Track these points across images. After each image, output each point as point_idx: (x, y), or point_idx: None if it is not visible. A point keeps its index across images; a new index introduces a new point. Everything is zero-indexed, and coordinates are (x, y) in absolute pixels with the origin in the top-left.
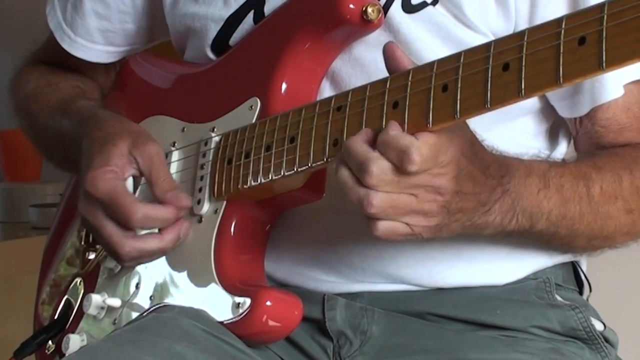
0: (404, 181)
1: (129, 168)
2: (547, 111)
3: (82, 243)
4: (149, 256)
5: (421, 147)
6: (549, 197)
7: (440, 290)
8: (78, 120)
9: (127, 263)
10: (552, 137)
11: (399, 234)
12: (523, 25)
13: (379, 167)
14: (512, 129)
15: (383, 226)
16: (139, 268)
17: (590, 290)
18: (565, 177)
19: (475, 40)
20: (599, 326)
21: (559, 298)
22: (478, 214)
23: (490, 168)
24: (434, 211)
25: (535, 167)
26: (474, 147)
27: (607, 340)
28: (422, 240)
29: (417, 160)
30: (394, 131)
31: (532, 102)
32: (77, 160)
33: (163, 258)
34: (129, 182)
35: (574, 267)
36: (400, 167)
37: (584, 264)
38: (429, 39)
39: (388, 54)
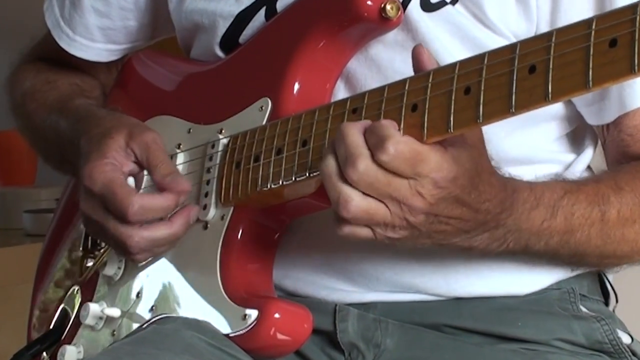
0: (383, 189)
1: (128, 161)
2: (572, 116)
3: (81, 249)
4: (160, 245)
5: (400, 143)
6: (552, 227)
7: (458, 300)
8: (75, 119)
9: (139, 256)
10: (577, 141)
11: (360, 237)
12: (544, 27)
13: (366, 165)
14: (535, 134)
15: (349, 230)
16: (140, 277)
17: (617, 301)
18: (579, 203)
19: (495, 41)
20: (626, 339)
21: (583, 309)
22: (459, 238)
23: (490, 202)
24: (402, 226)
25: (547, 197)
26: (477, 178)
27: (634, 354)
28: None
29: (391, 152)
30: (386, 121)
31: (558, 108)
32: (75, 161)
33: (165, 266)
34: (131, 181)
35: (600, 276)
36: (373, 153)
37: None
38: (447, 39)
39: (415, 56)
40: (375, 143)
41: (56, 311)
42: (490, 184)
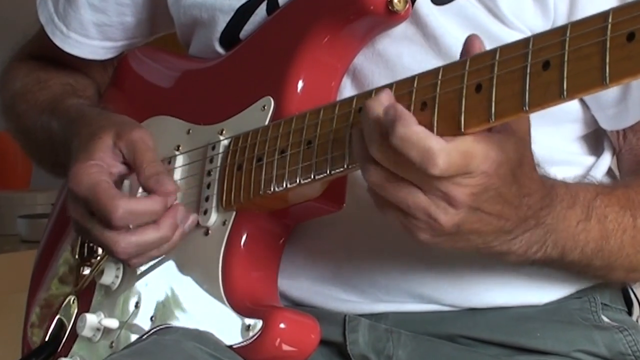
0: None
1: (116, 162)
2: (592, 116)
3: (77, 257)
4: (149, 250)
5: (452, 151)
6: (587, 230)
7: (473, 310)
8: (66, 120)
9: (130, 262)
10: (597, 142)
11: (393, 219)
12: (561, 22)
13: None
14: (552, 133)
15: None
16: (139, 285)
17: None
18: (612, 207)
19: (510, 36)
20: None
21: (605, 319)
22: (498, 240)
23: (530, 197)
24: (441, 222)
25: (581, 196)
26: (518, 169)
27: None
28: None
29: (441, 166)
30: (418, 127)
31: (577, 110)
32: (69, 164)
33: (165, 274)
34: (126, 185)
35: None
36: (421, 167)
37: None
38: (459, 34)
39: (467, 48)
40: (420, 160)
41: (52, 322)
42: (531, 178)
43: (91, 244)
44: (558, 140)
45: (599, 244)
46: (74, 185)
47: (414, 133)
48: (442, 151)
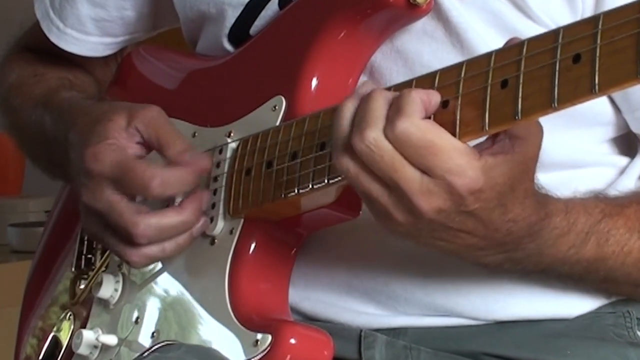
0: (388, 172)
1: (131, 143)
2: (624, 121)
3: (73, 269)
4: (169, 235)
5: (414, 125)
6: (580, 254)
7: (499, 324)
8: (58, 114)
9: (143, 250)
10: (630, 145)
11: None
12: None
13: (374, 138)
14: (584, 137)
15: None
16: (140, 299)
17: None
18: (617, 229)
19: (537, 32)
20: None
21: None
22: (468, 253)
23: (515, 224)
24: (401, 223)
25: (581, 222)
26: (509, 194)
27: None
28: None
29: (397, 129)
30: (417, 93)
31: (608, 113)
32: (63, 164)
33: (168, 286)
34: None
35: None
36: (385, 125)
37: None
38: (483, 29)
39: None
40: (391, 115)
41: (46, 339)
42: (522, 205)
43: (89, 255)
44: (588, 143)
45: (593, 265)
46: (96, 165)
47: (407, 95)
48: (410, 118)
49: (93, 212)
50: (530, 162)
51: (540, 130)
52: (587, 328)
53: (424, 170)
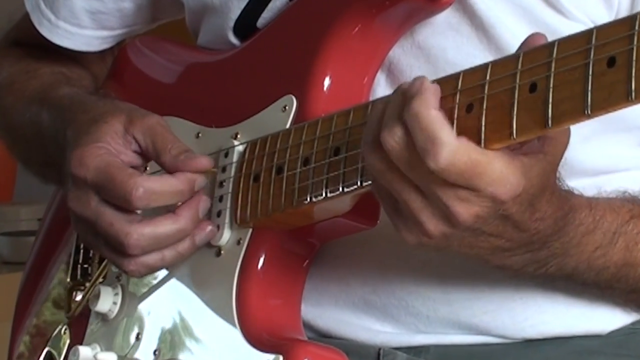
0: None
1: (127, 150)
2: None
3: (68, 279)
4: (165, 244)
5: (459, 152)
6: (608, 256)
7: (528, 342)
8: (58, 110)
9: (141, 259)
10: None
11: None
12: (625, 12)
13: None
14: (621, 142)
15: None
16: (141, 314)
17: None
18: None
19: (569, 29)
20: None
21: None
22: (494, 255)
23: (542, 222)
24: (430, 233)
25: (608, 220)
26: (539, 195)
27: None
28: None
29: (441, 163)
30: (437, 111)
31: None
32: (60, 162)
33: (170, 300)
34: None
35: None
36: (421, 154)
37: None
38: (512, 23)
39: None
40: (422, 141)
41: (40, 354)
42: (549, 202)
43: (85, 265)
44: (624, 147)
45: (622, 271)
46: (80, 170)
47: (428, 115)
48: (449, 146)
49: (81, 220)
50: (558, 159)
51: (567, 127)
52: (622, 345)
53: (468, 188)
